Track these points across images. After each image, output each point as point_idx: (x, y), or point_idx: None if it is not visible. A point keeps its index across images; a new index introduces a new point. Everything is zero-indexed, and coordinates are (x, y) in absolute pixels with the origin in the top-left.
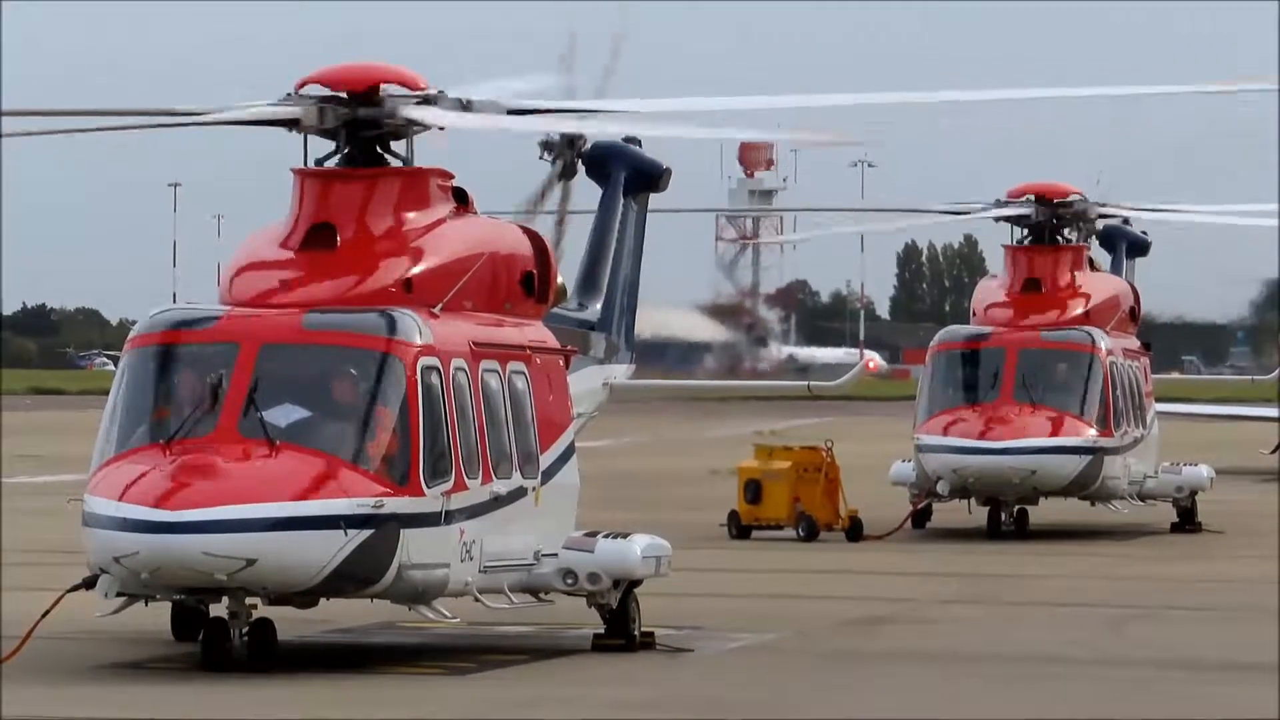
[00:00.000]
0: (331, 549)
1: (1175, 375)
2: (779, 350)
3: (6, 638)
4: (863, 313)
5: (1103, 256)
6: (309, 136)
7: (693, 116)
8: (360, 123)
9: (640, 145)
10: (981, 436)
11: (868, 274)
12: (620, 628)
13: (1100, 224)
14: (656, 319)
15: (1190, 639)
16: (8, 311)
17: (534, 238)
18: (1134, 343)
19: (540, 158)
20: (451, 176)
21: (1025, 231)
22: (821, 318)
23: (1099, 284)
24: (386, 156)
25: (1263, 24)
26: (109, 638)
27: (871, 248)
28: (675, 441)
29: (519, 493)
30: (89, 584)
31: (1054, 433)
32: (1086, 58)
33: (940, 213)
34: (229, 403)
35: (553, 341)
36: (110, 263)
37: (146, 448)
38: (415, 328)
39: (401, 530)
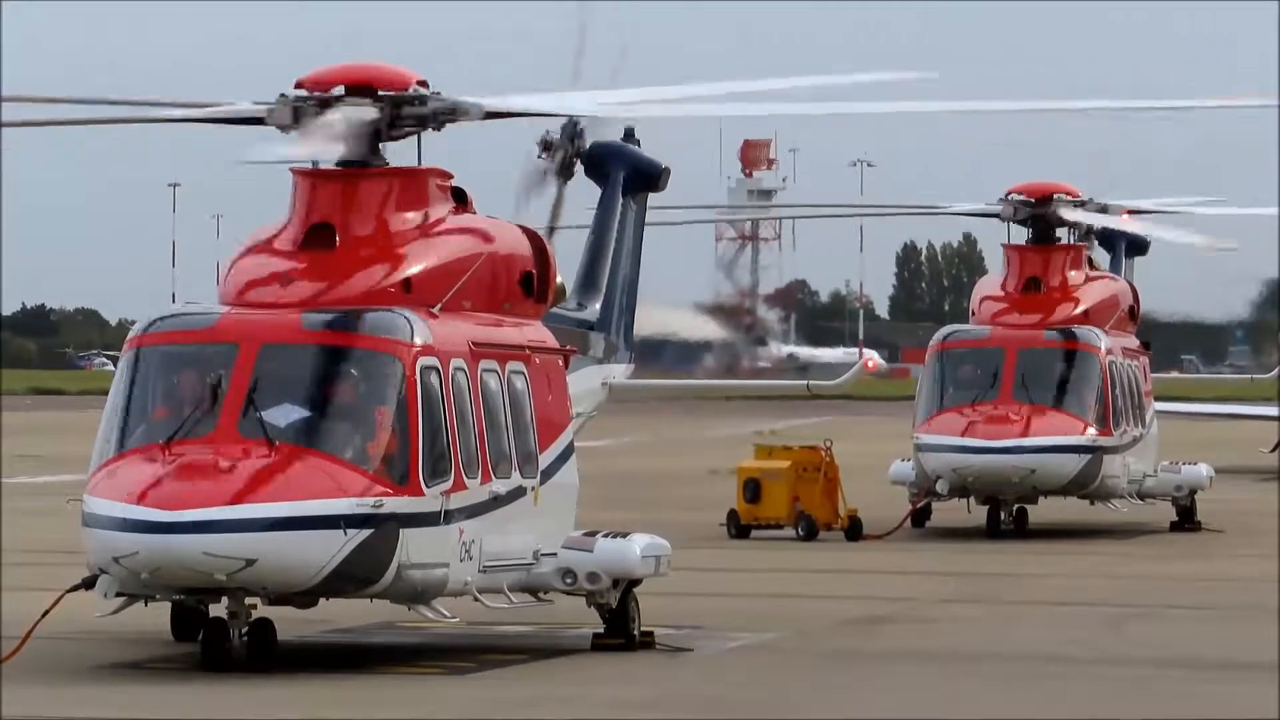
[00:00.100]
0: (331, 549)
1: (1175, 374)
2: (778, 350)
3: (6, 638)
4: (862, 312)
5: (1102, 256)
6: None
7: (686, 111)
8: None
9: (639, 145)
10: (981, 436)
11: (867, 273)
12: (620, 627)
13: (1098, 224)
14: (656, 318)
15: (1190, 638)
16: (7, 312)
17: (533, 237)
18: (1133, 342)
19: (539, 157)
20: (451, 176)
21: (1025, 231)
22: (821, 317)
23: (1098, 283)
24: (386, 157)
25: (1263, 24)
26: (109, 638)
27: (870, 247)
28: (674, 441)
29: (518, 492)
30: (89, 584)
31: (1053, 432)
32: (1086, 58)
33: (940, 212)
34: (228, 403)
35: (552, 341)
36: (110, 263)
37: (146, 448)
38: (414, 328)
39: (401, 530)
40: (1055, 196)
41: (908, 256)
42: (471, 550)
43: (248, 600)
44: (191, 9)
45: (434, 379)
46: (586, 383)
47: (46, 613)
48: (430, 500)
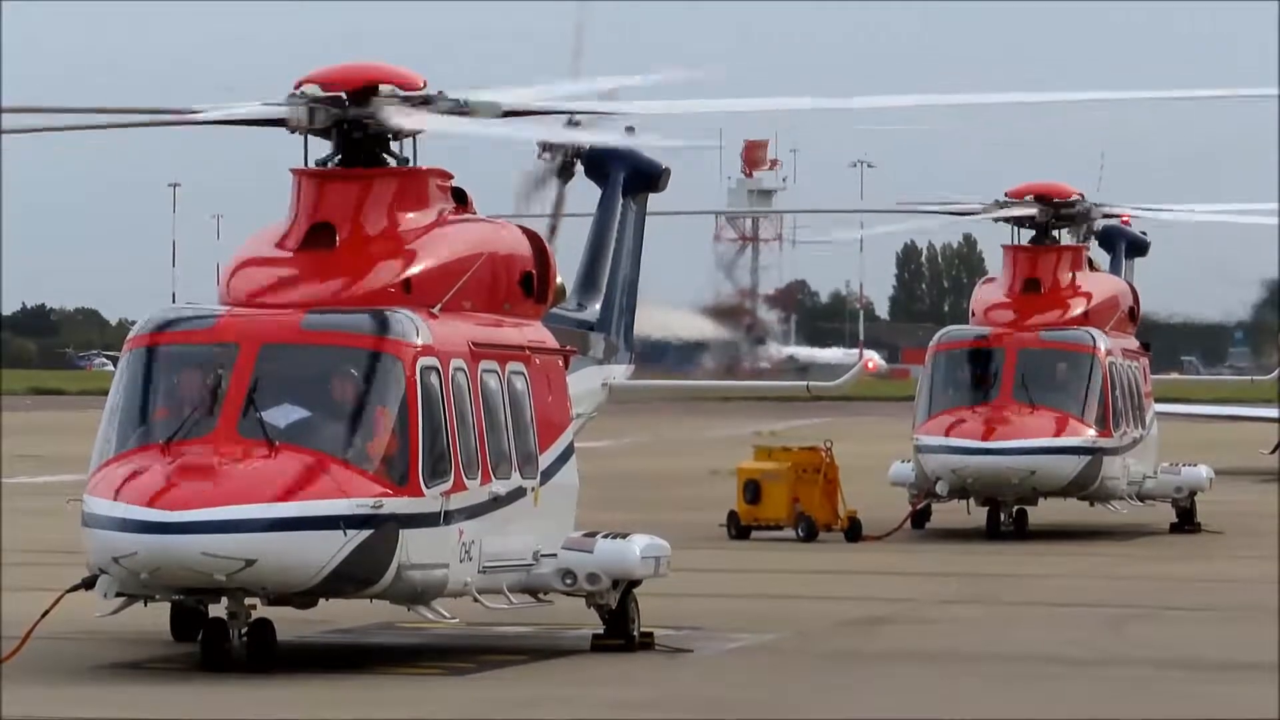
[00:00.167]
0: (331, 549)
1: (1175, 375)
2: (778, 350)
3: (6, 638)
4: (862, 313)
5: (1102, 256)
6: (309, 137)
7: (693, 118)
8: (352, 124)
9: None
10: (981, 437)
11: (867, 274)
12: (619, 628)
13: (1100, 224)
14: (656, 319)
15: (1189, 639)
16: (7, 312)
17: (533, 238)
18: (1133, 343)
19: (539, 156)
20: (451, 176)
21: (1025, 232)
22: (821, 318)
23: (1098, 284)
24: (386, 156)
25: (1263, 24)
26: (108, 638)
27: (870, 248)
28: (674, 442)
29: (518, 493)
30: (88, 584)
31: (1053, 433)
32: (1087, 58)
33: (940, 213)
34: (228, 403)
35: (552, 342)
36: (110, 263)
37: (146, 448)
38: (414, 328)
39: (400, 531)
40: (1056, 198)
41: (908, 257)
42: (471, 551)
43: (247, 600)
44: (192, 9)
45: (434, 379)
46: (586, 383)
47: (46, 613)
48: (430, 501)
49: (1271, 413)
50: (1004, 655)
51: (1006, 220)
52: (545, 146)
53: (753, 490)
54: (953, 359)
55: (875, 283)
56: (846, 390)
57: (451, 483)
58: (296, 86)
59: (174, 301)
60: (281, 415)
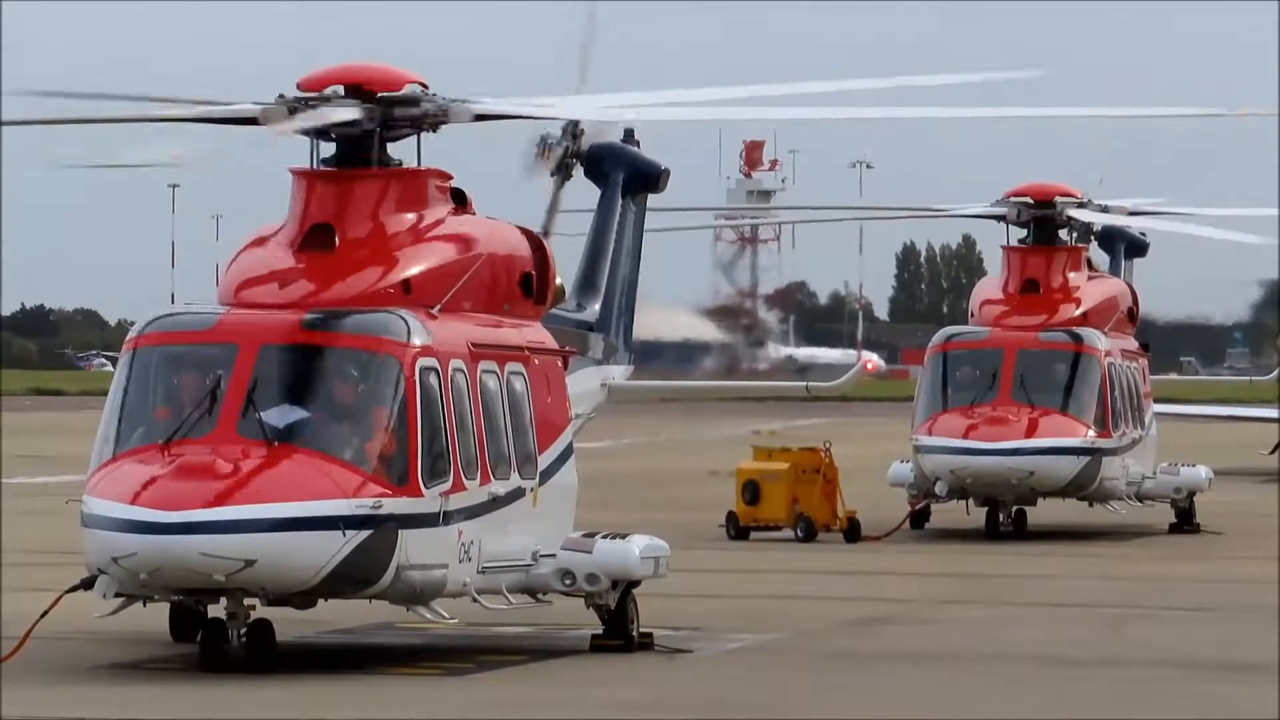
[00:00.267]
0: (330, 550)
1: (1174, 376)
2: (777, 351)
3: (6, 638)
4: (861, 313)
5: (1101, 257)
6: (316, 139)
7: (680, 112)
8: (349, 123)
9: (639, 146)
10: (980, 437)
11: (866, 275)
12: (619, 628)
13: (1099, 224)
14: (655, 320)
15: (1189, 639)
16: (6, 312)
17: (532, 239)
18: (1132, 343)
19: (537, 157)
20: (450, 177)
21: (1024, 232)
22: (820, 318)
23: (1097, 285)
24: (385, 157)
25: (1263, 24)
26: (107, 638)
27: (870, 249)
28: (674, 442)
29: (517, 493)
30: (87, 584)
31: (1052, 434)
32: (1087, 58)
33: (939, 213)
34: (228, 403)
35: (551, 342)
36: (109, 263)
37: (145, 448)
38: (414, 329)
39: (400, 531)
40: (1056, 198)
41: (907, 258)
42: (470, 551)
43: (246, 601)
44: (192, 9)
45: (433, 380)
46: (586, 384)
47: (46, 613)
48: (429, 501)
49: (1270, 413)
50: (1003, 655)
51: (1005, 221)
52: (543, 146)
53: (752, 491)
54: (952, 360)
55: (874, 283)
56: (846, 391)
57: (451, 483)
58: (298, 88)
59: (173, 302)
60: (281, 416)
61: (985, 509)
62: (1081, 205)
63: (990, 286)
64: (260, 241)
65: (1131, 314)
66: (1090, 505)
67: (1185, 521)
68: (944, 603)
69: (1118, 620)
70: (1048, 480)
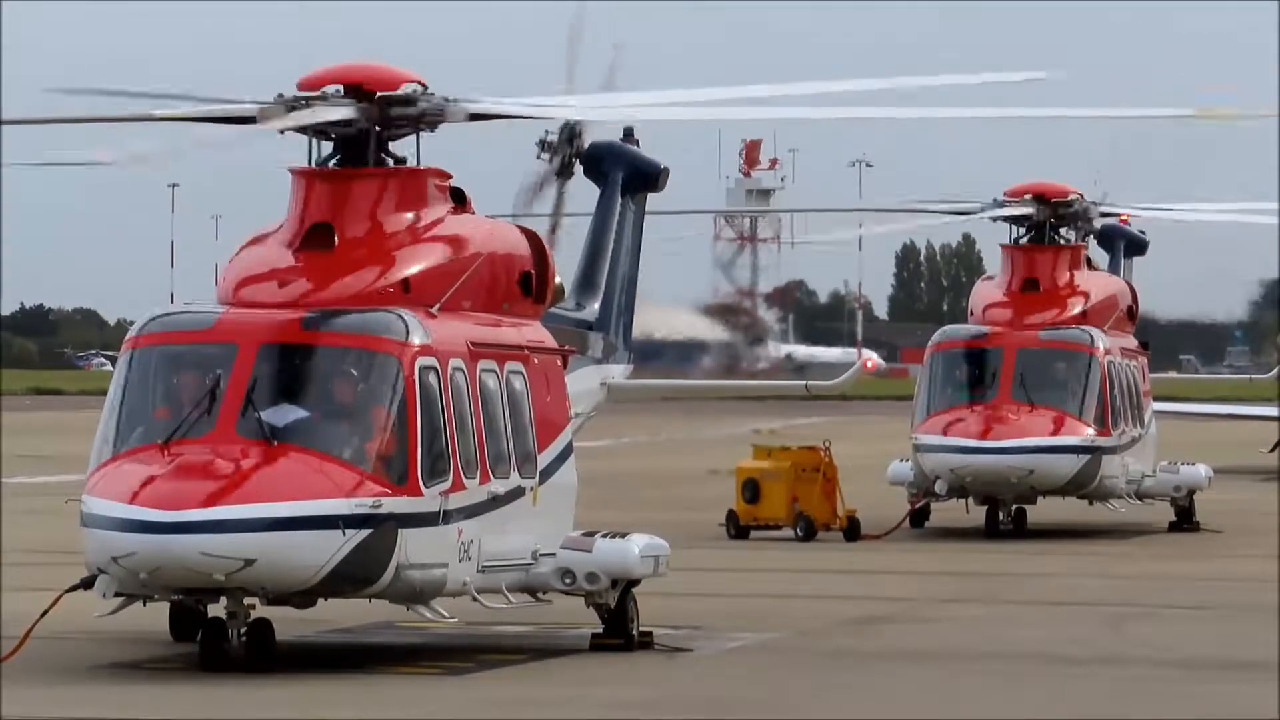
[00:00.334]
0: (330, 549)
1: (1173, 374)
2: (777, 350)
3: (6, 637)
4: (860, 312)
5: (1101, 256)
6: (314, 139)
7: (678, 112)
8: (349, 123)
9: (638, 145)
10: (979, 436)
11: (866, 273)
12: (618, 627)
13: (1098, 223)
14: (655, 319)
15: (1188, 637)
16: (5, 312)
17: (532, 238)
18: (1132, 342)
19: (538, 157)
20: (449, 176)
21: (1024, 231)
22: (819, 317)
23: (1097, 283)
24: (385, 157)
25: (1263, 24)
26: (107, 638)
27: (869, 247)
28: (673, 441)
29: (517, 492)
30: (87, 584)
31: (1052, 432)
32: (1087, 58)
33: (939, 212)
34: (227, 403)
35: (551, 341)
36: (108, 263)
37: (145, 448)
38: (413, 328)
39: (399, 530)
40: (1054, 198)
41: (907, 256)
42: (470, 550)
43: (246, 600)
44: (192, 9)
45: (432, 379)
46: (585, 383)
47: (45, 612)
48: (429, 500)
49: (1270, 411)
50: (1003, 654)
51: (1005, 219)
52: (544, 146)
53: (752, 490)
54: (951, 358)
55: (874, 282)
56: (845, 390)
57: (450, 482)
58: (299, 87)
59: (173, 301)
60: (280, 415)
61: (985, 507)
62: (1081, 204)
63: (990, 285)
64: (259, 241)
65: (1131, 312)
66: (1090, 504)
67: (1185, 520)
68: (944, 601)
69: (1117, 619)
70: (1047, 479)
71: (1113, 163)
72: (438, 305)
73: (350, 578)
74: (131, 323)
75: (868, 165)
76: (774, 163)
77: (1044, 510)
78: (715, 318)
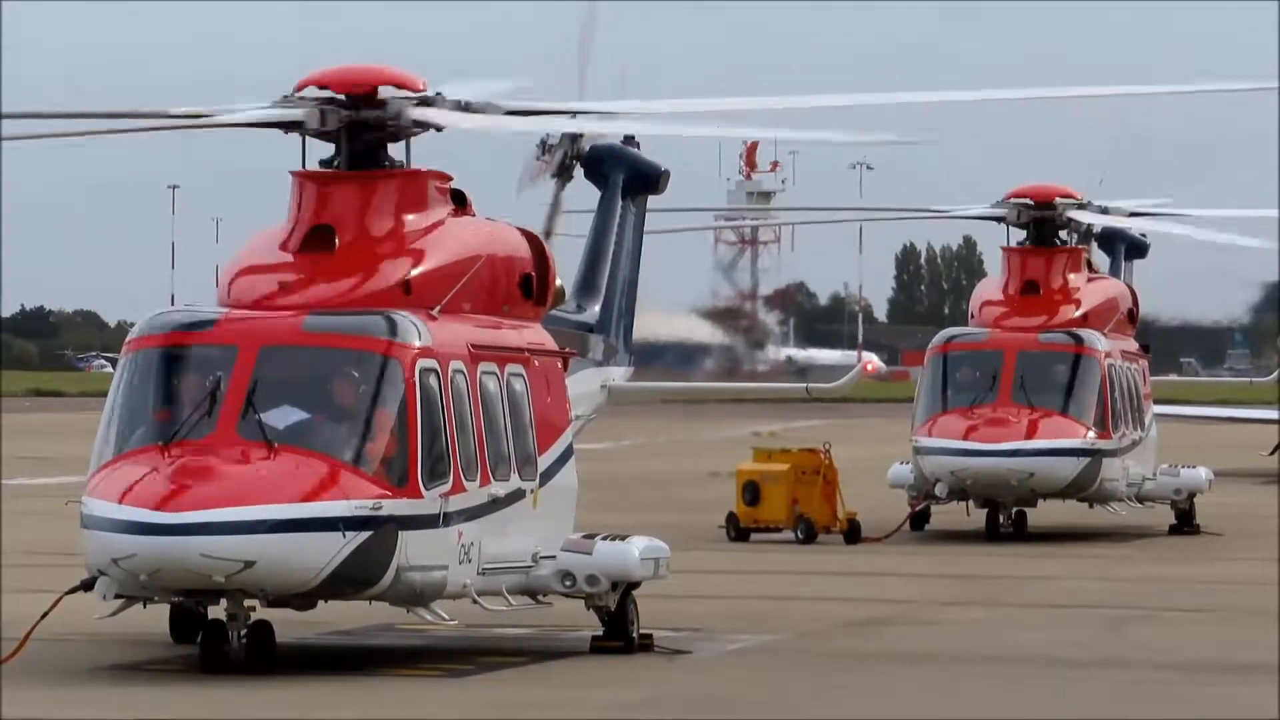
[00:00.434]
0: (330, 551)
1: (1174, 377)
2: (777, 352)
3: (6, 639)
4: (861, 315)
5: (1101, 258)
6: (308, 139)
7: (693, 117)
8: (361, 125)
9: (639, 147)
10: (980, 439)
11: (866, 276)
12: (619, 630)
13: (1099, 226)
14: (655, 321)
15: (1189, 640)
16: (6, 313)
17: (532, 240)
18: (1132, 345)
19: (538, 159)
20: (450, 178)
21: (1024, 234)
22: (820, 320)
23: (1097, 286)
24: (385, 158)
25: (1263, 24)
26: (107, 639)
27: (870, 250)
28: (674, 444)
29: (517, 495)
30: (87, 586)
31: (1052, 435)
32: (1087, 58)
33: (939, 215)
34: (227, 405)
35: (551, 344)
36: (109, 265)
37: (145, 449)
38: (413, 330)
39: (400, 532)
40: (1057, 200)
41: (907, 259)
42: (470, 552)
43: (246, 602)
44: (192, 9)
45: (433, 381)
46: (586, 385)
47: (46, 614)
48: (429, 503)
49: (1271, 414)
50: (1003, 657)
51: (1005, 222)
52: (544, 147)
53: (752, 492)
54: (952, 361)
55: (874, 285)
56: (845, 392)
57: (450, 484)
58: (297, 88)
59: (173, 303)
60: (281, 417)
61: (985, 510)
62: (1081, 206)
63: (990, 288)
64: (260, 243)
65: (1131, 315)
66: (1090, 506)
67: (1185, 523)
68: (944, 604)
69: (1118, 621)
70: (1048, 481)
71: (1114, 164)
72: (438, 307)
73: (350, 580)
74: (132, 324)
75: (868, 168)
76: (774, 165)
77: (1044, 513)
78: (716, 320)
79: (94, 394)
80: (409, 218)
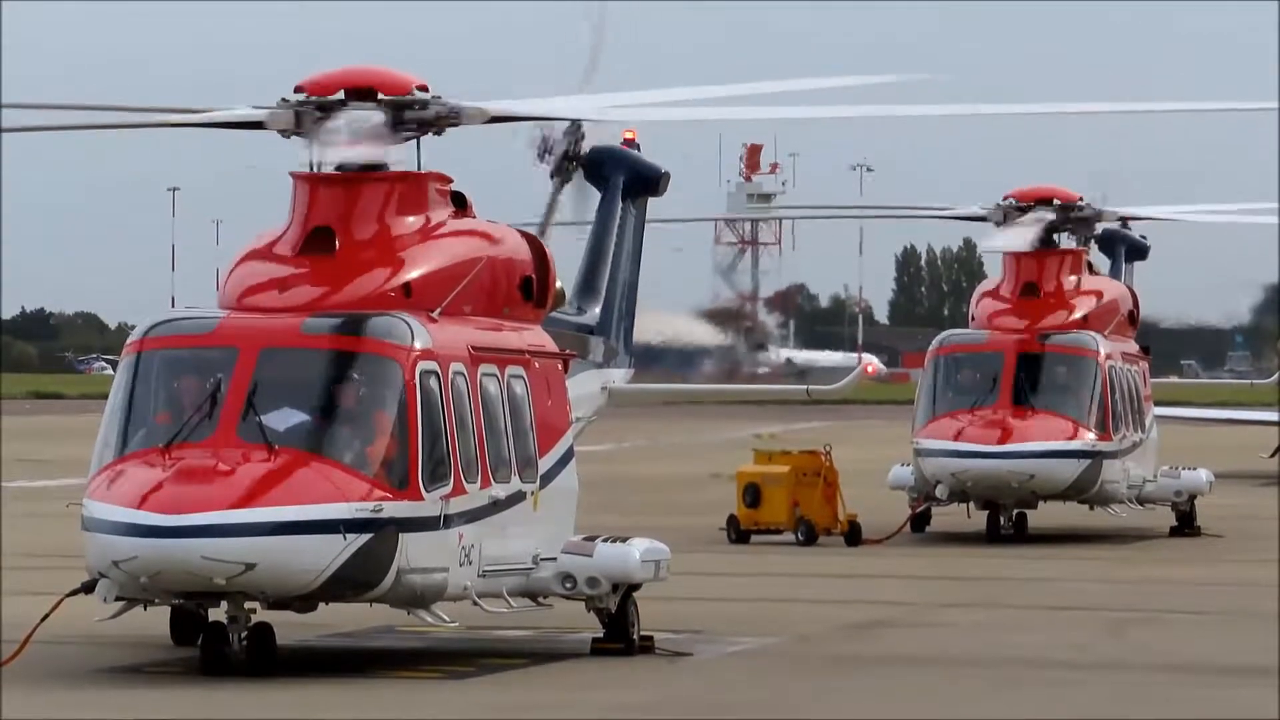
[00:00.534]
0: (330, 553)
1: (1174, 379)
2: (777, 354)
3: (6, 641)
4: (861, 316)
5: (1102, 260)
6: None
7: (687, 119)
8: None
9: (639, 149)
10: (980, 440)
11: (866, 278)
12: (619, 632)
13: (1099, 228)
14: (655, 323)
15: (1190, 642)
16: (6, 316)
17: (533, 242)
18: (1133, 346)
19: (538, 159)
20: (450, 180)
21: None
22: (820, 321)
23: (1098, 288)
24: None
25: (1263, 24)
26: (108, 642)
27: (870, 251)
28: (674, 446)
29: (518, 497)
30: (88, 588)
31: (1052, 437)
32: (1087, 58)
33: (939, 216)
34: (228, 407)
35: (551, 346)
36: (109, 267)
37: (145, 452)
38: (414, 332)
39: (400, 534)
40: (1054, 202)
41: (907, 261)
42: (471, 555)
43: (247, 604)
44: (192, 9)
45: (433, 383)
46: (586, 387)
47: (46, 616)
48: (430, 505)
49: (1271, 416)
50: (1004, 659)
51: (991, 222)
52: (543, 149)
53: (752, 494)
54: (952, 363)
55: (875, 286)
56: (846, 394)
57: (451, 486)
58: (296, 90)
59: (173, 305)
60: (281, 419)
61: (986, 512)
62: (1081, 208)
63: (990, 289)
64: (261, 245)
65: (1132, 317)
66: (1091, 508)
67: (1186, 525)
68: (945, 606)
69: (1118, 624)
70: (1048, 483)
71: (1113, 165)
72: (439, 309)
73: (351, 582)
74: (132, 327)
75: (868, 169)
76: (775, 167)
77: (1045, 515)
78: (716, 322)
79: (94, 396)
80: (409, 220)
